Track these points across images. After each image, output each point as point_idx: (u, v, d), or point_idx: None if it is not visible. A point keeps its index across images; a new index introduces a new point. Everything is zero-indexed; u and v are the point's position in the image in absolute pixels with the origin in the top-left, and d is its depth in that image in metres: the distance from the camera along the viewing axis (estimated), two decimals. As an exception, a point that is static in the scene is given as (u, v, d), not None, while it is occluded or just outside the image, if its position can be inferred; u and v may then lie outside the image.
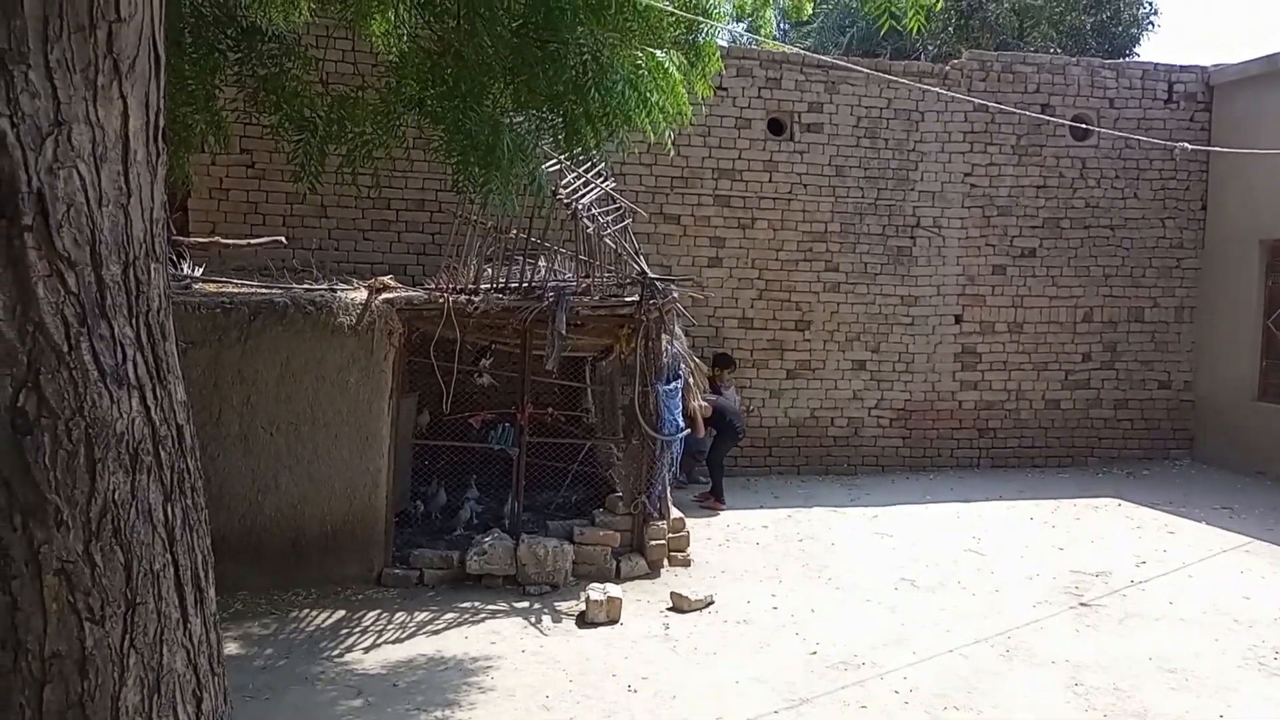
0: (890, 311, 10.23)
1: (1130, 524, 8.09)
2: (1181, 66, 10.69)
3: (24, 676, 2.05)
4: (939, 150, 10.22)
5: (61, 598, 2.06)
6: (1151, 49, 38.41)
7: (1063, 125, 10.28)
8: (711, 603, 5.93)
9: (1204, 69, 10.71)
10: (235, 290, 6.28)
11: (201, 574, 2.42)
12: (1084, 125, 10.43)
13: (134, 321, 2.22)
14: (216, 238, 7.39)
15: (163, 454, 2.28)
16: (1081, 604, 6.04)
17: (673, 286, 6.61)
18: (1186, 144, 9.70)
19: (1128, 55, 18.76)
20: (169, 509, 2.29)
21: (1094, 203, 10.54)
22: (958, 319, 10.39)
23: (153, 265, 2.30)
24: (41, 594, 2.03)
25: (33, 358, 2.05)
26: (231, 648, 5.08)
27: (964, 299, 10.39)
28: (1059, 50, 17.50)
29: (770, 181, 9.90)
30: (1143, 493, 9.21)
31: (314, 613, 5.58)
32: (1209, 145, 10.33)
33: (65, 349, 2.06)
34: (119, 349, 2.17)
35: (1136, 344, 10.74)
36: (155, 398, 2.27)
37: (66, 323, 2.06)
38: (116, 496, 2.14)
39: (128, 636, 2.15)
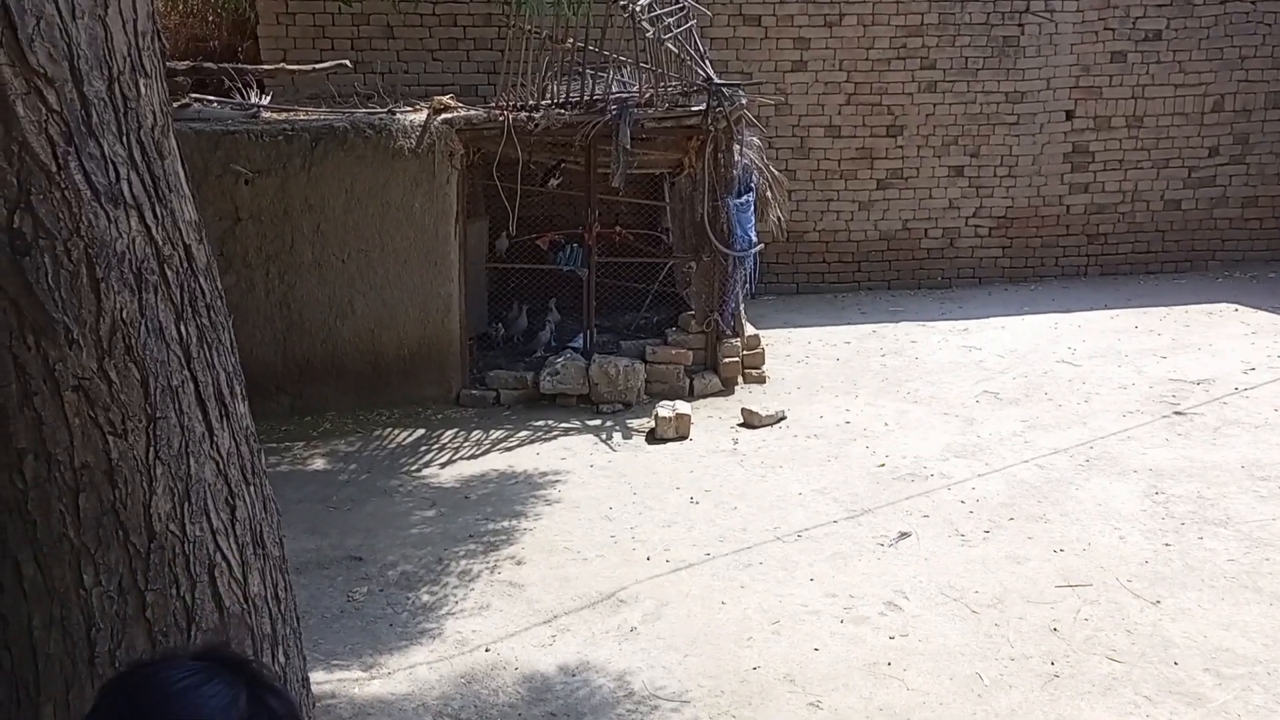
0: (993, 111, 9.48)
1: (1245, 330, 7.58)
2: None
3: (59, 486, 2.16)
4: (1053, -79, 9.12)
5: (83, 412, 2.12)
6: None
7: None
8: (783, 418, 5.91)
9: None
10: (299, 117, 6.25)
11: (226, 390, 2.47)
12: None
13: (125, 139, 2.17)
14: (282, 64, 7.31)
15: (169, 273, 2.28)
16: (1176, 413, 5.76)
17: (741, 93, 6.24)
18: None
19: None
20: (182, 327, 2.31)
21: (1234, -27, 9.31)
22: (1069, 115, 9.56)
23: (141, 81, 2.22)
24: (63, 409, 2.11)
25: (22, 178, 2.04)
26: (319, 463, 5.39)
27: (1077, 92, 9.51)
28: None
29: (860, -30, 9.08)
30: (1265, 297, 8.57)
31: (395, 431, 5.83)
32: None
33: (54, 169, 2.04)
34: (111, 168, 2.14)
35: (1273, 134, 9.71)
36: (156, 216, 2.25)
37: (52, 141, 2.03)
38: (125, 315, 2.16)
39: (152, 449, 2.23)
